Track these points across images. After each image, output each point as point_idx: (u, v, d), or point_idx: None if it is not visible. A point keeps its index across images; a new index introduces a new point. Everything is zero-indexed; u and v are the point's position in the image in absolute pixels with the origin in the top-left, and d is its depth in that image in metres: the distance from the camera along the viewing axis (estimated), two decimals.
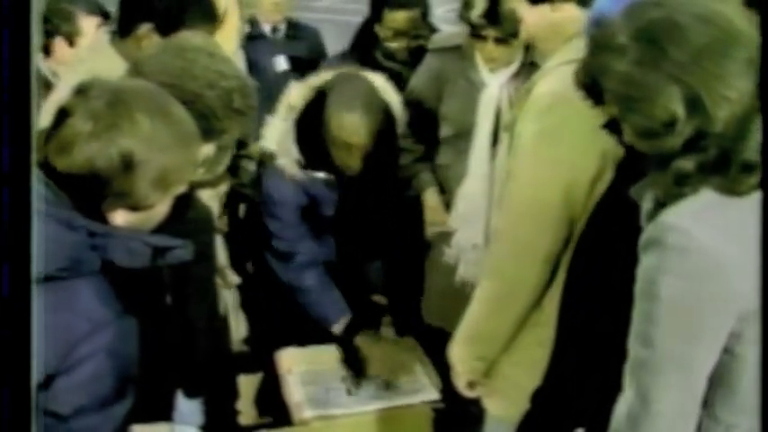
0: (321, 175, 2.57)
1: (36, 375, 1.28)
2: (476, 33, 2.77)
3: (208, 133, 1.82)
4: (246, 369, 2.74)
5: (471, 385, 2.16)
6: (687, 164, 1.44)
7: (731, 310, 1.45)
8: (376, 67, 3.35)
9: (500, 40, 2.75)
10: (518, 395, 2.06)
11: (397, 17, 3.28)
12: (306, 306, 2.68)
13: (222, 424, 2.66)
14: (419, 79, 3.05)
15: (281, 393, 2.56)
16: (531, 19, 2.05)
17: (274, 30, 3.86)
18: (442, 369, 2.34)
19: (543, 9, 2.02)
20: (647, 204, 1.53)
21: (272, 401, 2.60)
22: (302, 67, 3.68)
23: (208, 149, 1.87)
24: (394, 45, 3.33)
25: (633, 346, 1.51)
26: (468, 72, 2.90)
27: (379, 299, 2.86)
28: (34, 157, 1.27)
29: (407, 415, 2.51)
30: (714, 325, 1.46)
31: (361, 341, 2.68)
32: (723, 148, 1.43)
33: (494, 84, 2.84)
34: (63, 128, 1.49)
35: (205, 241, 1.84)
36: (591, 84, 1.52)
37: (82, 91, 1.52)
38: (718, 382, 1.52)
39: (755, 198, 1.43)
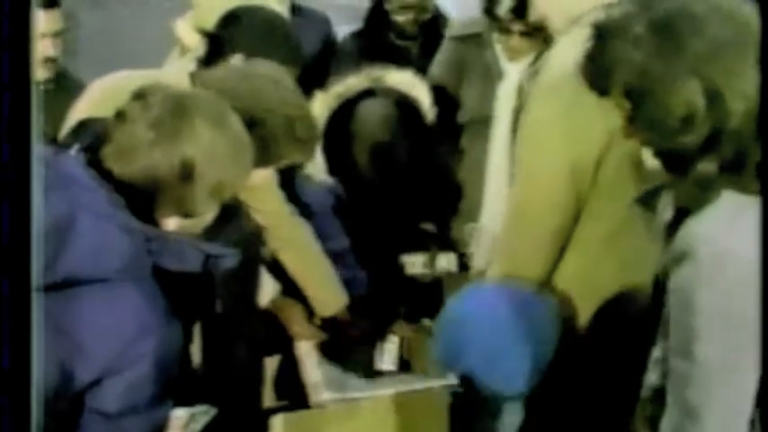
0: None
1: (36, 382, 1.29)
2: (502, 27, 2.79)
3: (266, 158, 1.88)
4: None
5: None
6: (709, 166, 1.42)
7: None
8: (388, 46, 3.40)
9: (526, 34, 2.75)
10: None
11: None
12: None
13: (241, 407, 2.69)
14: (439, 67, 3.09)
15: (299, 376, 2.59)
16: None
17: None
18: None
19: None
20: (665, 214, 1.50)
21: (290, 384, 2.63)
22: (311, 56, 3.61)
23: (266, 174, 1.91)
24: (401, 19, 3.34)
25: (674, 361, 1.49)
26: (488, 61, 2.94)
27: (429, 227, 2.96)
28: (34, 156, 1.26)
29: (425, 398, 2.54)
30: (756, 332, 1.43)
31: None
32: (739, 147, 1.41)
33: (513, 73, 2.84)
34: (122, 134, 1.49)
35: (251, 251, 1.86)
36: (597, 74, 1.49)
37: (140, 96, 1.52)
38: None
39: None
